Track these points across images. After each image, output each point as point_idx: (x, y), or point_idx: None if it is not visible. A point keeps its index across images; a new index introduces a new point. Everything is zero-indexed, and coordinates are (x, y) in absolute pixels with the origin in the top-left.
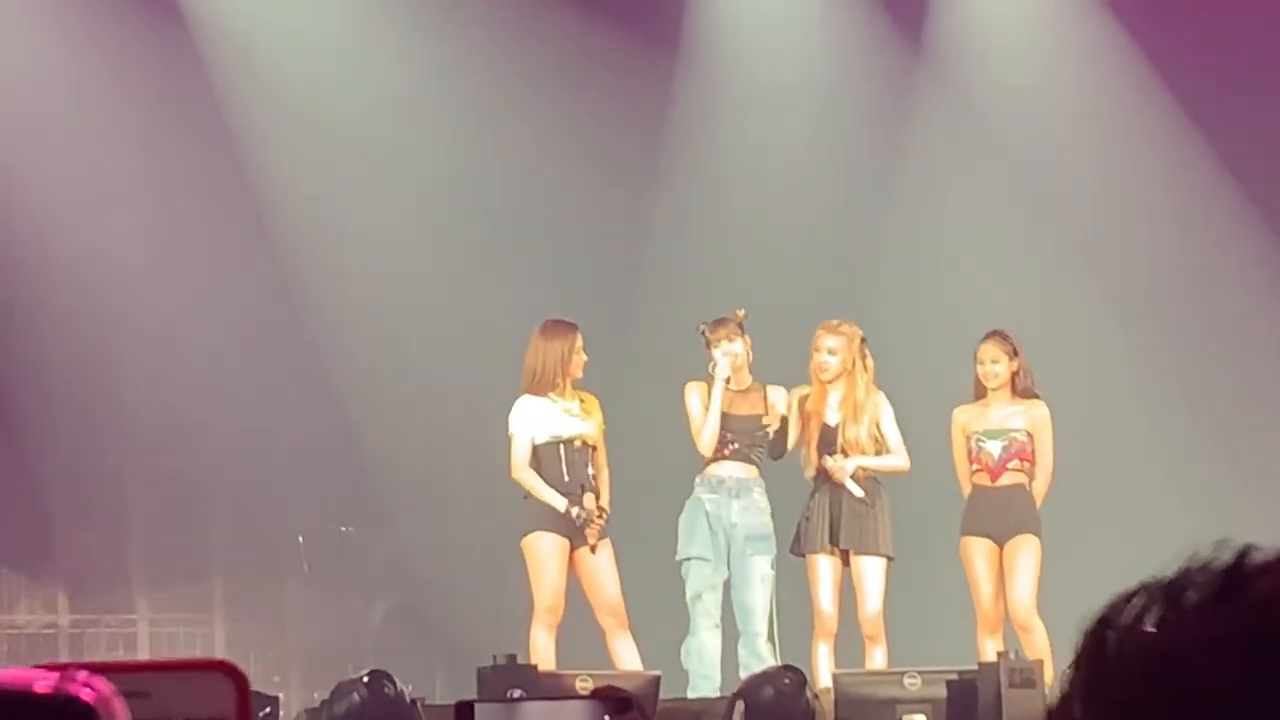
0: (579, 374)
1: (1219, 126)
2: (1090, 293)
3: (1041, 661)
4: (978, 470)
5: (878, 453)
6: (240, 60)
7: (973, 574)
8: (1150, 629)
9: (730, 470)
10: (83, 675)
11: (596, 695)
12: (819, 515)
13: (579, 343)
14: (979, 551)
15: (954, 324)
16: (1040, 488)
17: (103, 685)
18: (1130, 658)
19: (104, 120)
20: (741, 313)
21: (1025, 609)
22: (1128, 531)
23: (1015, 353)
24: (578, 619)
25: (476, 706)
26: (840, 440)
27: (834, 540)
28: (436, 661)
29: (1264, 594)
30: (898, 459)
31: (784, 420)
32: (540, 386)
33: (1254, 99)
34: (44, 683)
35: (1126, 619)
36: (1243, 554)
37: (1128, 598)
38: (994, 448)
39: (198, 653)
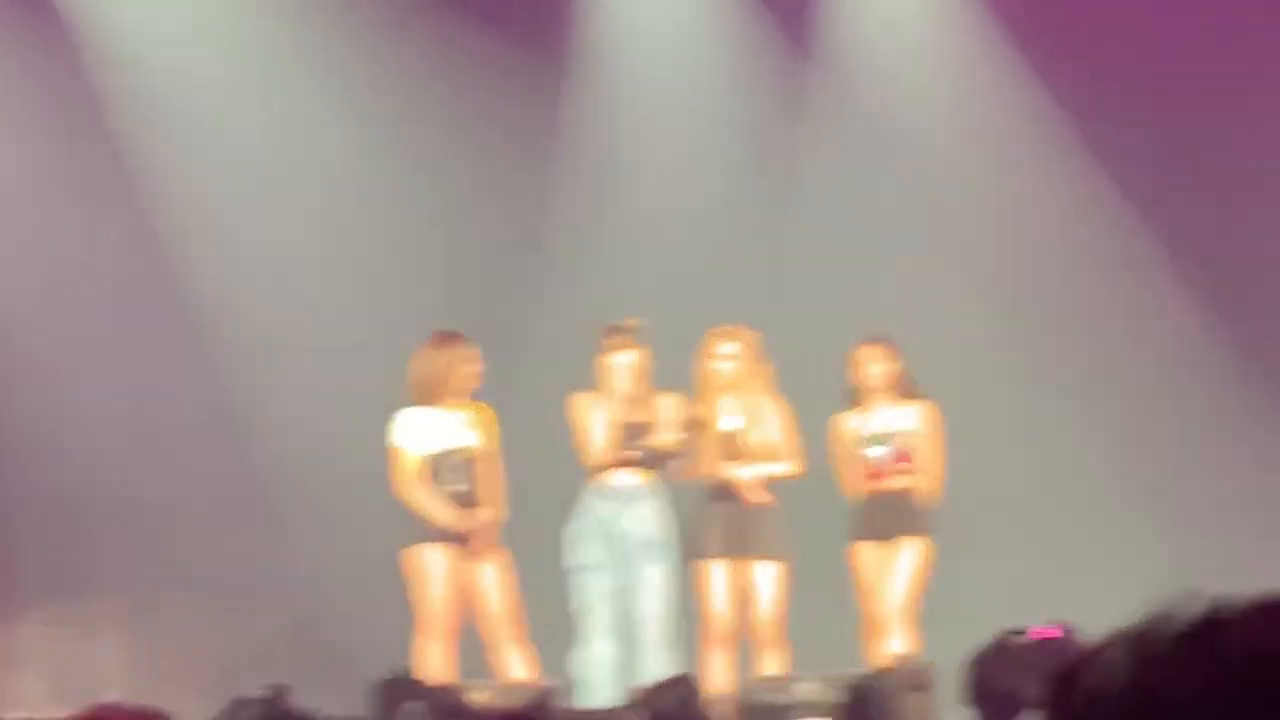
0: (471, 384)
1: (1103, 128)
2: (978, 293)
3: (932, 664)
4: (864, 475)
5: (774, 458)
6: (120, 65)
7: (860, 579)
8: (1121, 686)
9: (623, 478)
10: (128, 708)
11: (503, 715)
12: (717, 521)
13: (469, 353)
14: (866, 557)
15: (844, 327)
16: (929, 489)
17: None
18: (1102, 716)
19: None
20: (636, 321)
21: (896, 613)
22: (1020, 531)
23: (894, 355)
24: (470, 630)
25: None
26: (740, 445)
27: (732, 547)
28: (330, 674)
29: (1238, 652)
30: (793, 464)
31: (677, 427)
32: (429, 398)
33: (1137, 100)
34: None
35: (1097, 675)
36: (1214, 608)
37: (1095, 652)
38: (878, 453)
39: (91, 670)
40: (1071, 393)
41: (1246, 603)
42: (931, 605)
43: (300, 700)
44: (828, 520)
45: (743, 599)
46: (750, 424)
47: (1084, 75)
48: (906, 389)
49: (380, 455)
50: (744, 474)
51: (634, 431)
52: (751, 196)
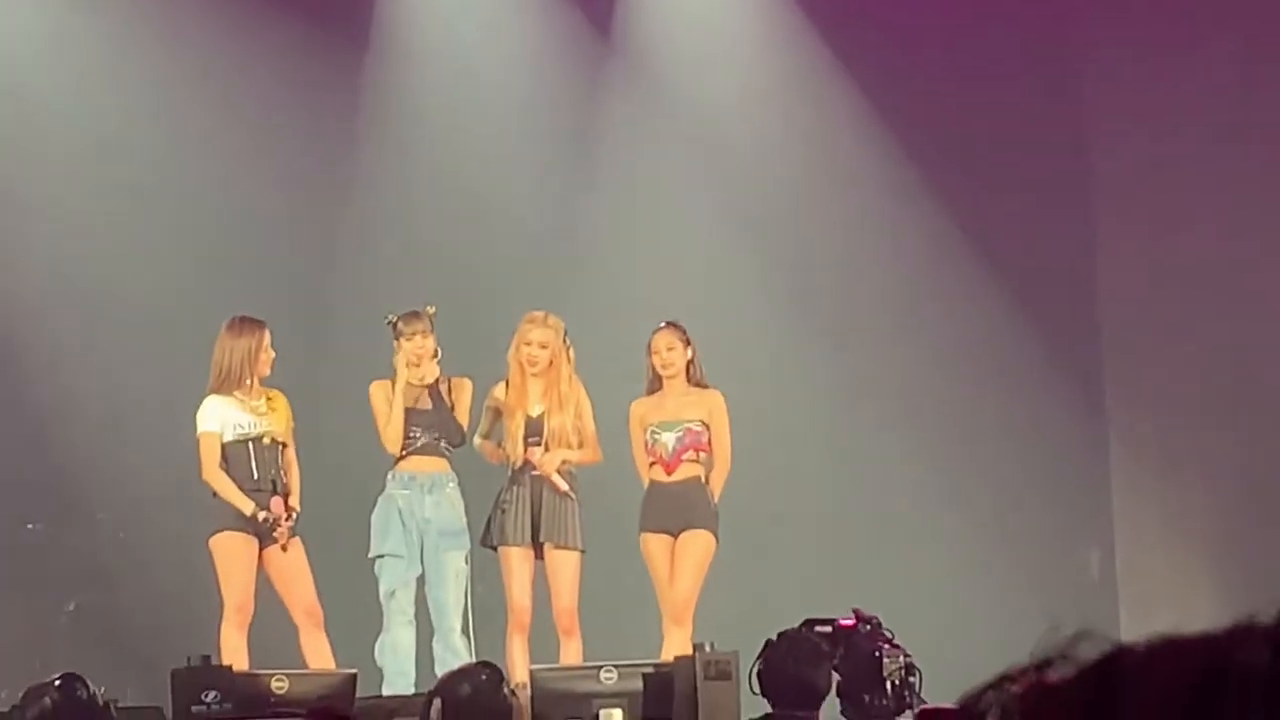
0: (266, 371)
1: (905, 117)
2: (773, 281)
3: (737, 653)
4: (654, 463)
5: (577, 445)
6: None
7: (653, 569)
8: None
9: (422, 465)
10: None
11: (313, 715)
12: (518, 507)
13: (267, 340)
14: (656, 546)
15: (642, 314)
16: (718, 478)
17: None
18: None
19: None
20: (432, 309)
21: (679, 605)
22: (806, 522)
23: (688, 342)
24: (270, 618)
25: None
26: (545, 431)
27: (533, 533)
28: (129, 663)
29: (1145, 699)
30: (592, 451)
31: (480, 414)
32: (227, 385)
33: (938, 81)
34: None
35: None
36: (1115, 651)
37: (980, 693)
38: (669, 439)
39: None
40: (867, 383)
41: (1146, 646)
42: (728, 595)
43: (97, 689)
44: (628, 507)
45: (541, 585)
46: (554, 410)
47: (890, 66)
48: (698, 377)
49: (176, 442)
50: (547, 460)
51: (428, 418)
52: (551, 184)
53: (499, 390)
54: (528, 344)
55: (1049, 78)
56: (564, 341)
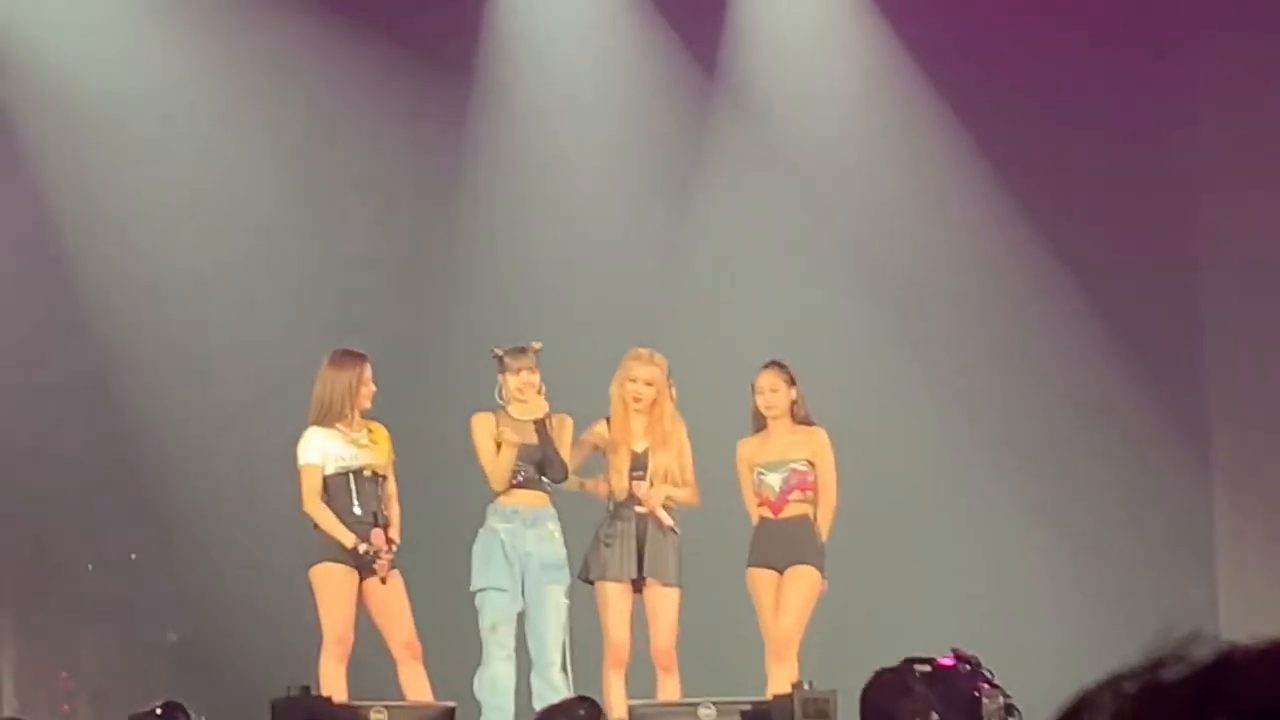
0: (367, 404)
1: (1007, 147)
2: (876, 315)
3: (835, 691)
4: (761, 504)
5: (678, 483)
6: (15, 64)
7: (759, 605)
8: None
9: (524, 499)
10: None
11: None
12: (621, 542)
13: (368, 373)
14: (763, 583)
15: (744, 351)
16: (824, 516)
17: None
18: None
19: None
20: (538, 345)
21: (782, 642)
22: (917, 559)
23: (792, 381)
24: (369, 650)
25: None
26: (649, 468)
27: (636, 568)
28: (229, 692)
29: (1249, 701)
30: (692, 493)
31: (578, 448)
32: (329, 417)
33: (1039, 112)
34: None
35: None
36: (1225, 652)
37: (1095, 692)
38: (774, 480)
39: None
40: (970, 416)
41: (1259, 647)
42: (832, 633)
43: (198, 717)
44: (733, 543)
45: (639, 621)
46: (658, 447)
47: (992, 98)
48: (803, 415)
49: (279, 473)
50: (654, 495)
51: (532, 453)
52: (653, 218)
53: (600, 427)
54: (633, 380)
55: (1152, 100)
56: (668, 379)
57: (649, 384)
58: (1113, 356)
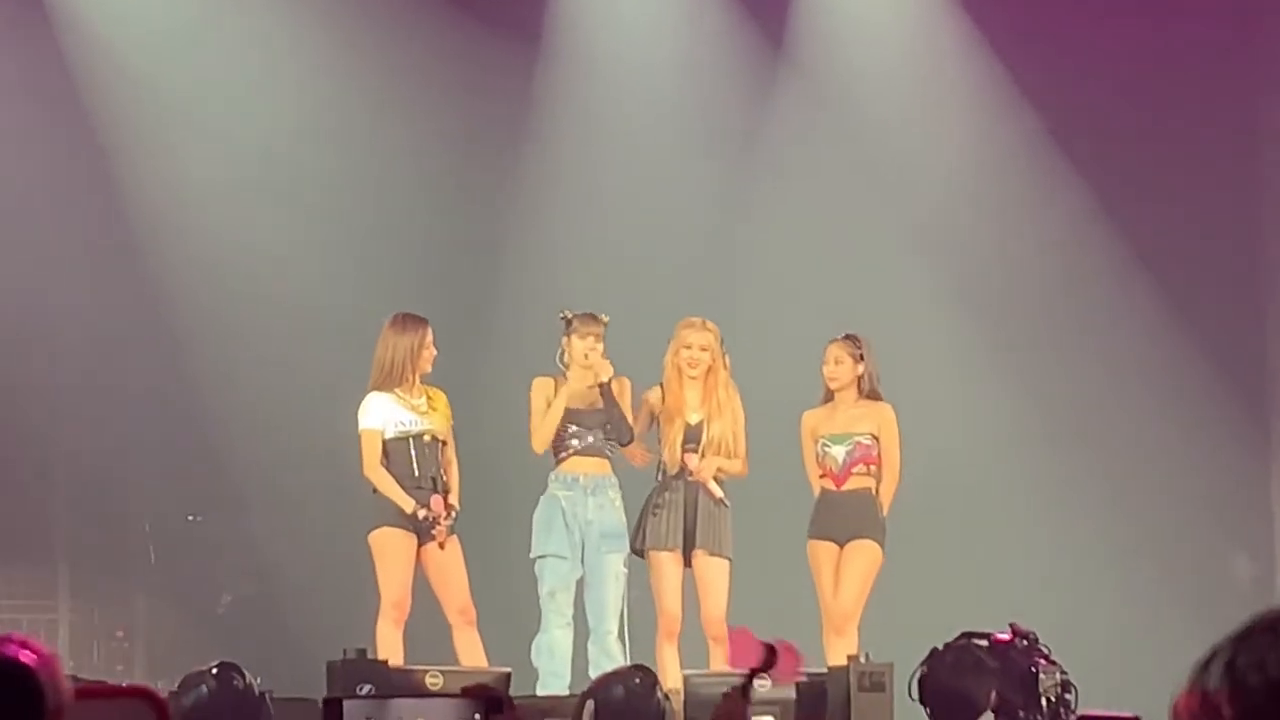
0: (428, 369)
1: (1076, 133)
2: (944, 294)
3: (892, 664)
4: (823, 475)
5: (730, 454)
6: (100, 55)
7: (818, 577)
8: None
9: (585, 467)
10: (18, 637)
11: (468, 694)
12: (670, 512)
13: (429, 337)
14: (823, 555)
15: (811, 323)
16: (887, 491)
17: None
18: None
19: None
20: (606, 319)
21: (841, 615)
22: (978, 534)
23: (861, 355)
24: (424, 614)
25: (345, 703)
26: (704, 438)
27: (687, 539)
28: (285, 654)
29: None
30: (742, 465)
31: (639, 416)
32: (389, 382)
33: (1107, 97)
34: None
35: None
36: None
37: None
38: (838, 452)
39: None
40: (1034, 398)
41: None
42: (889, 606)
43: (253, 678)
44: (793, 515)
45: (689, 591)
46: (714, 417)
47: (1064, 83)
48: (870, 389)
49: (337, 437)
50: (705, 466)
51: (594, 419)
52: (722, 189)
53: (653, 395)
54: (687, 348)
55: (1223, 93)
56: (721, 347)
57: (704, 349)
58: (1180, 348)
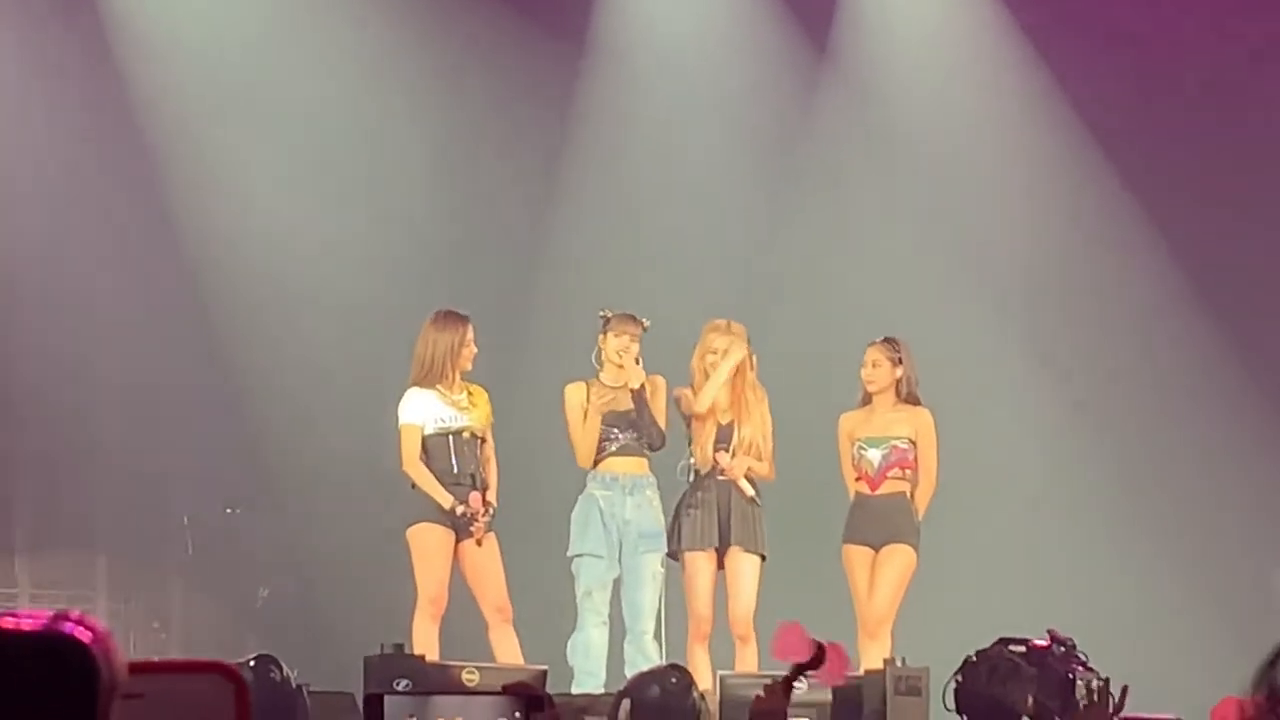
0: (468, 366)
1: (1119, 132)
2: (985, 300)
3: (928, 669)
4: (859, 478)
5: (759, 455)
6: (149, 51)
7: (853, 581)
8: None
9: (623, 466)
10: (75, 614)
11: (509, 691)
12: (705, 512)
13: (470, 334)
14: (858, 559)
15: (850, 326)
16: (923, 496)
17: (96, 624)
18: None
19: (10, 112)
20: (647, 323)
21: (876, 619)
22: (1014, 540)
23: (900, 359)
24: (461, 611)
25: (386, 699)
26: (734, 439)
27: (721, 538)
28: (322, 648)
29: None
30: (770, 468)
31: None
32: (430, 378)
33: (1156, 101)
34: (33, 621)
35: None
36: None
37: None
38: (874, 456)
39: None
40: (1073, 406)
41: None
42: (925, 611)
43: (290, 671)
44: (812, 517)
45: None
46: (743, 418)
47: (1113, 88)
48: (909, 393)
49: (377, 432)
50: (736, 465)
51: (632, 421)
52: (763, 191)
53: (687, 394)
54: (713, 352)
55: (1272, 99)
56: (748, 348)
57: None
58: (1219, 343)
